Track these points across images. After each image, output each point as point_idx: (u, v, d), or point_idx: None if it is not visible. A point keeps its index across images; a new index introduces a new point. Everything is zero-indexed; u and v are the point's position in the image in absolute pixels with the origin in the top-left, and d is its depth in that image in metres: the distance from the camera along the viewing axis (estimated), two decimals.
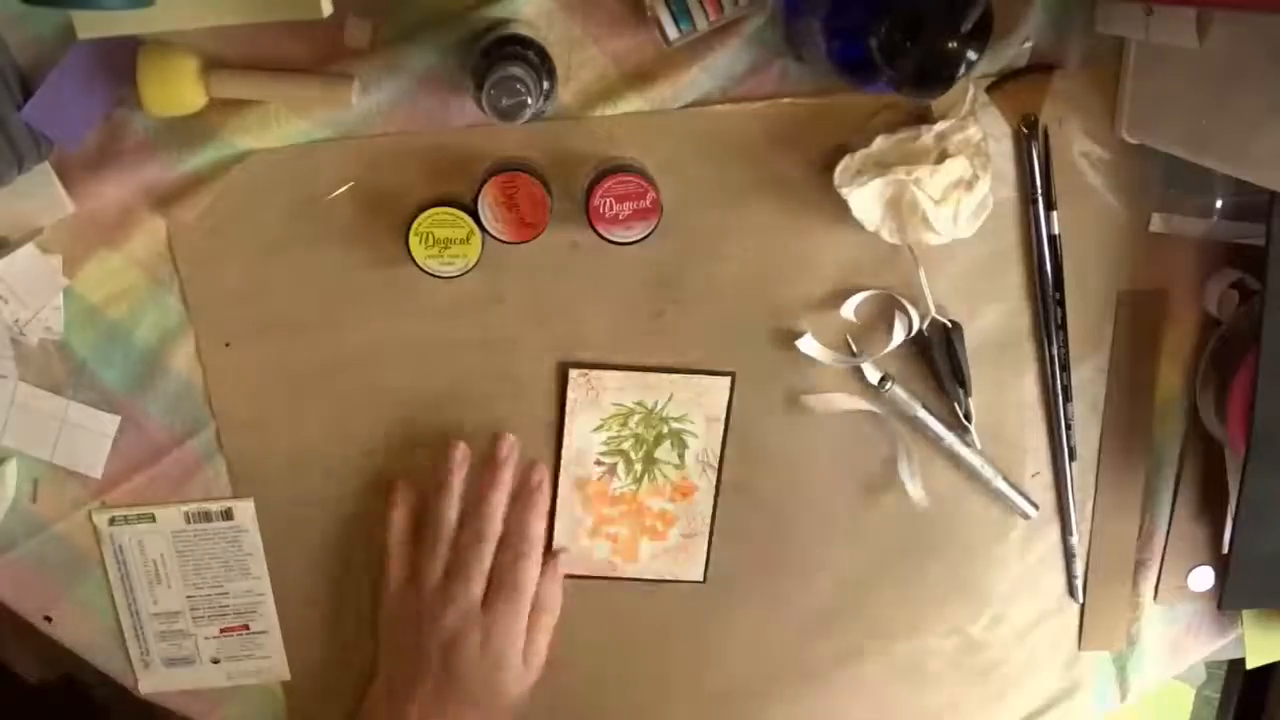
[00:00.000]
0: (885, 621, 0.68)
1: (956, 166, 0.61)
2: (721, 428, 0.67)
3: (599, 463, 0.68)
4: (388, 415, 0.66)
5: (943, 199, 0.61)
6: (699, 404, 0.67)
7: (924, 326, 0.66)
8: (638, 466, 0.68)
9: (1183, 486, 0.72)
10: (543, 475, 0.68)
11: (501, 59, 0.53)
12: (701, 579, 0.71)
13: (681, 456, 0.68)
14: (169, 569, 0.68)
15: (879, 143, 0.61)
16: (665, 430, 0.67)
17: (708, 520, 0.70)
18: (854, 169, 0.61)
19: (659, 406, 0.67)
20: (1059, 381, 0.69)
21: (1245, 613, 0.75)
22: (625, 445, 0.68)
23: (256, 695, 0.72)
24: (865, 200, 0.61)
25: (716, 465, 0.68)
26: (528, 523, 0.67)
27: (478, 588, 0.66)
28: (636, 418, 0.67)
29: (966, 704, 0.77)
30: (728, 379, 0.66)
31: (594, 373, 0.66)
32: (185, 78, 0.56)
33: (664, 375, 0.66)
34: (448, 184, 0.61)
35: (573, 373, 0.66)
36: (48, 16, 0.55)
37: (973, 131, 0.61)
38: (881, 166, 0.61)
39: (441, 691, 0.65)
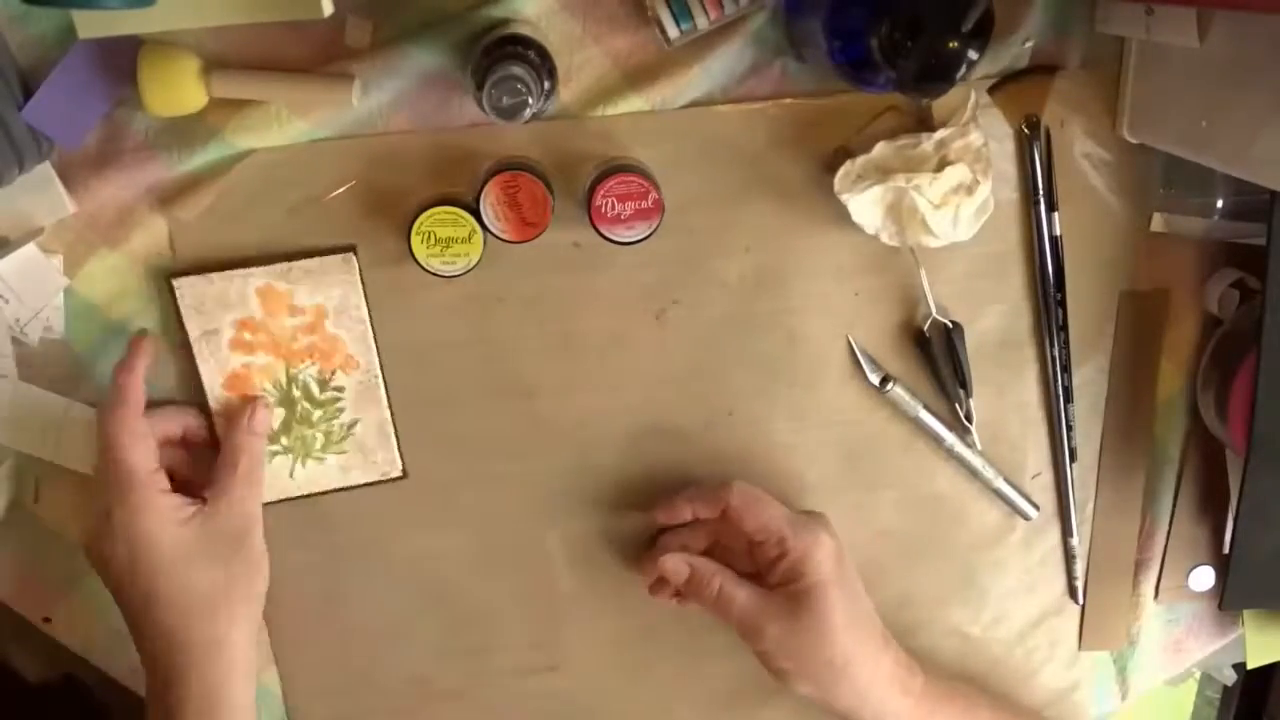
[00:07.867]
0: (886, 622, 0.68)
1: (956, 173, 0.61)
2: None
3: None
4: None
5: (942, 203, 0.61)
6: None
7: (925, 327, 0.66)
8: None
9: (1183, 486, 0.72)
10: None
11: (502, 58, 0.53)
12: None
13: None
14: None
15: (880, 149, 0.61)
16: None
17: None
18: (854, 174, 0.61)
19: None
20: (1060, 382, 0.69)
21: (1246, 613, 0.75)
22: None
23: (256, 695, 0.71)
24: (865, 205, 0.61)
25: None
26: None
27: None
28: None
29: None
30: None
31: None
32: (186, 78, 0.56)
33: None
34: (449, 183, 0.61)
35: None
36: (48, 16, 0.55)
37: (974, 138, 0.61)
38: (882, 172, 0.61)
39: None
